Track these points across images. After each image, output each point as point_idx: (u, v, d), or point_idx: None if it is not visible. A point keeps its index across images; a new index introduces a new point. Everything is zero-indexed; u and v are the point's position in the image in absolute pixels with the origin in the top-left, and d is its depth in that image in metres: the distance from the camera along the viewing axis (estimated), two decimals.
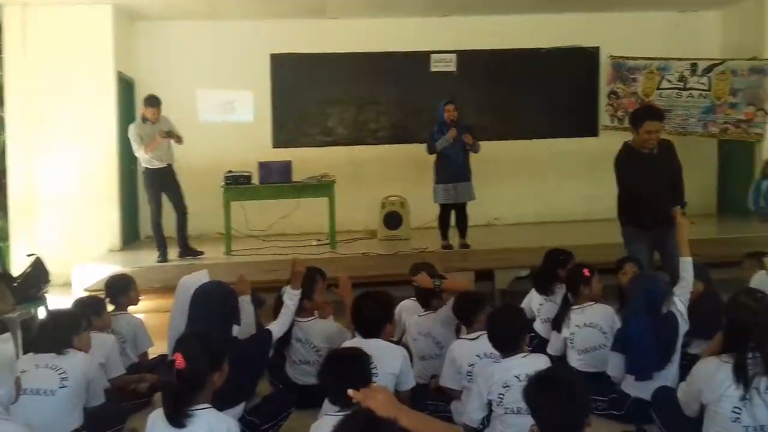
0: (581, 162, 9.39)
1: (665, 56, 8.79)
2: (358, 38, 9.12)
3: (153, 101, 6.98)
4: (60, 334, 3.18)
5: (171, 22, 8.89)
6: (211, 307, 3.13)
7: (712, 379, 2.69)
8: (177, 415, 2.44)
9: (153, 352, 4.38)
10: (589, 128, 9.36)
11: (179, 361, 2.44)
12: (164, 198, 7.22)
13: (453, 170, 6.88)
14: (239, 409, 3.27)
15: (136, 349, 4.06)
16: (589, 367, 3.69)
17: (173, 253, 7.22)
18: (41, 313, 4.97)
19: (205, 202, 8.75)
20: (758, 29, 8.55)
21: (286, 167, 7.27)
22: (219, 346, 2.67)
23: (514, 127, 9.26)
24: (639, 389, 3.38)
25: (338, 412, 2.56)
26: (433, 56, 9.30)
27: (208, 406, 2.55)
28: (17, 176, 7.83)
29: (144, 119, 7.04)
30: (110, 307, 4.15)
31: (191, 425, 2.44)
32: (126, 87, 8.61)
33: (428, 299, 3.82)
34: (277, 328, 3.56)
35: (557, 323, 3.95)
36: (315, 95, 9.24)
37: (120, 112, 8.22)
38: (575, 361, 3.76)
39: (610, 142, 9.24)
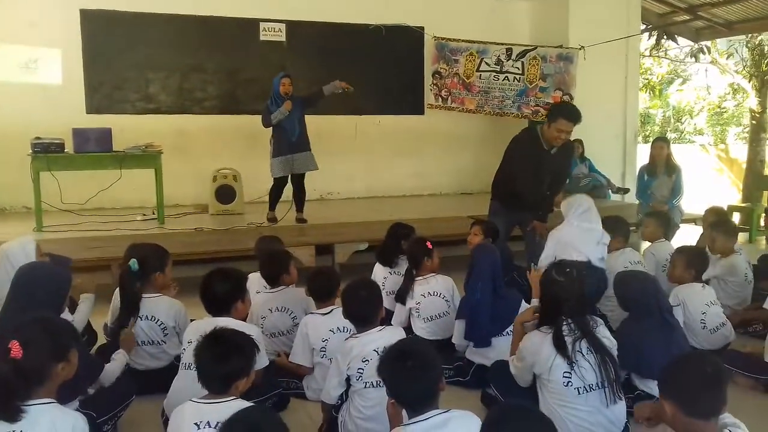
0: (408, 139, 9.76)
1: (483, 40, 9.34)
2: None
3: None
4: None
5: None
6: (42, 294, 2.79)
7: (540, 352, 2.90)
8: (7, 409, 2.17)
9: None
10: (416, 106, 9.71)
11: (15, 349, 2.16)
12: None
13: (291, 142, 6.80)
14: (75, 403, 2.99)
15: None
16: (433, 335, 3.87)
17: None
18: None
19: (6, 173, 7.86)
20: (562, 20, 9.43)
21: (105, 135, 6.68)
22: (65, 334, 2.39)
23: (345, 102, 9.27)
24: (481, 356, 3.61)
25: (206, 398, 2.43)
26: (262, 24, 9.04)
27: (51, 401, 2.29)
28: None
29: None
30: None
31: (30, 422, 2.19)
32: None
33: (278, 275, 3.75)
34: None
35: (401, 295, 4.08)
36: (134, 58, 8.55)
37: None
38: (420, 329, 3.93)
39: (434, 120, 9.80)
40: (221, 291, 3.09)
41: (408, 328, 4.00)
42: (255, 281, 3.95)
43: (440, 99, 9.31)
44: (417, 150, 9.80)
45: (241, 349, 2.44)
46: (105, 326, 3.81)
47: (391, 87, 9.62)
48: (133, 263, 3.32)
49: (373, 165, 9.61)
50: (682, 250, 4.30)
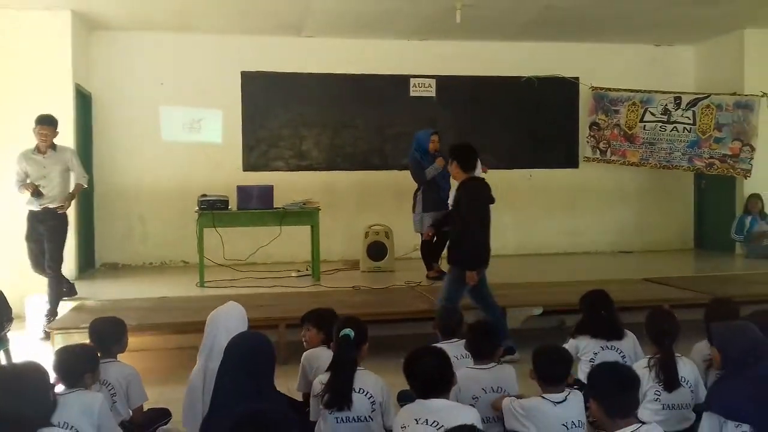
0: (562, 194, 9.23)
1: (645, 89, 8.75)
2: (335, 59, 8.72)
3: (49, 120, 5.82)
4: None
5: (133, 33, 8.26)
6: (261, 363, 2.58)
7: None
8: None
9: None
10: (570, 159, 9.22)
11: None
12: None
13: (441, 198, 6.75)
14: None
15: (129, 403, 3.40)
16: (669, 425, 3.25)
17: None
18: (2, 358, 4.24)
19: (169, 228, 8.15)
20: (736, 65, 8.62)
21: (267, 192, 6.73)
22: (282, 425, 2.12)
23: (494, 155, 8.95)
24: None
25: None
26: (413, 80, 8.99)
27: None
28: None
29: (36, 147, 5.78)
30: None
31: None
32: (83, 101, 7.87)
33: (493, 351, 3.30)
34: None
35: (671, 378, 3.29)
36: (289, 116, 8.73)
37: (77, 129, 7.47)
38: (649, 415, 3.31)
39: (590, 174, 9.24)
40: (436, 371, 2.72)
41: None
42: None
43: (598, 151, 8.76)
44: (571, 205, 9.24)
45: None
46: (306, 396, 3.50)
47: (543, 140, 9.20)
48: (350, 332, 3.04)
49: (523, 221, 9.12)
50: None
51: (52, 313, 5.70)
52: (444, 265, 6.93)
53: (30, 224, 5.77)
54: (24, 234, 5.84)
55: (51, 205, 5.73)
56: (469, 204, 4.83)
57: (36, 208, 5.71)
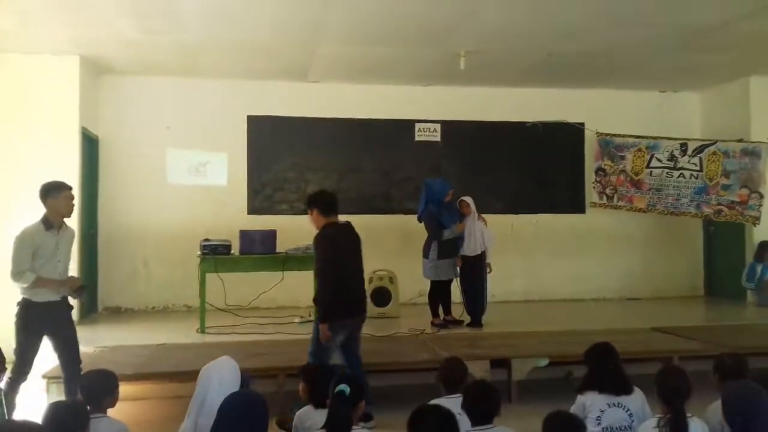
0: (568, 239, 9.14)
1: (651, 134, 8.73)
2: (340, 103, 8.77)
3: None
4: None
5: (140, 78, 8.32)
6: (255, 424, 2.48)
7: None
8: None
9: None
10: (577, 205, 9.16)
11: None
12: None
13: (457, 246, 6.83)
14: None
15: None
16: None
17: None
18: None
19: (172, 271, 8.08)
20: (742, 112, 8.60)
21: (270, 237, 6.68)
22: None
23: (500, 200, 8.96)
24: None
25: None
26: (418, 125, 9.01)
27: None
28: None
29: (48, 224, 4.35)
30: None
31: None
32: (89, 144, 7.91)
33: (492, 412, 3.15)
34: None
35: None
36: (294, 160, 8.74)
37: (82, 172, 7.48)
38: None
39: (596, 219, 9.17)
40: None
41: None
42: None
43: (605, 197, 8.70)
44: (578, 251, 9.14)
45: None
46: None
47: (549, 185, 9.17)
48: (345, 388, 2.93)
49: (529, 267, 9.02)
50: None
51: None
52: (455, 311, 6.92)
53: (35, 314, 4.31)
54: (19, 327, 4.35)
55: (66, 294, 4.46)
56: (324, 252, 4.62)
57: (53, 298, 4.36)
